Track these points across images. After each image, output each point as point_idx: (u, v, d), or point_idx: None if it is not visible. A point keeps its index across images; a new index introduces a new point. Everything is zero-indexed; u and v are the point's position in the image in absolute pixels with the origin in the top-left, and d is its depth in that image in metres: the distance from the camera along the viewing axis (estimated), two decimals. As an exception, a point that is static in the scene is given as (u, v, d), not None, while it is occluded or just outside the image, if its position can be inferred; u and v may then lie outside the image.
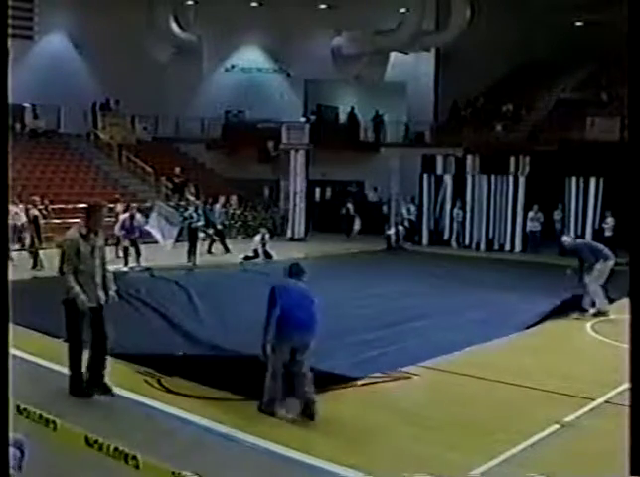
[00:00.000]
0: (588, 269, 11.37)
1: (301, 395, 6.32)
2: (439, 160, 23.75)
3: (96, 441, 3.26)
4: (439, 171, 23.54)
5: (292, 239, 24.14)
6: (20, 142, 23.72)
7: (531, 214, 21.68)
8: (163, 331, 9.67)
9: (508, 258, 20.34)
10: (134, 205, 17.03)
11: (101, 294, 6.90)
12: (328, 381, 6.97)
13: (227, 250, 19.47)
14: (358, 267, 17.71)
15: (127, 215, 15.89)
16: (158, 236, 16.82)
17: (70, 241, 6.84)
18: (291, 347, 6.24)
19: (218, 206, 20.89)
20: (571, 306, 11.45)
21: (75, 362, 6.89)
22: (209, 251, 19.28)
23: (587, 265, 11.38)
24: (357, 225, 25.87)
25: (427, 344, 9.10)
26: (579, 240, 12.45)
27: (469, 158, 23.17)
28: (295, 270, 6.60)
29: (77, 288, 6.69)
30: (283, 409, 6.32)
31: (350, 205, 26.34)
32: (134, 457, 3.14)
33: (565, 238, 12.98)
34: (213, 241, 19.55)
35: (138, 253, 15.69)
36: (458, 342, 9.08)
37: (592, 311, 11.40)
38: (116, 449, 3.20)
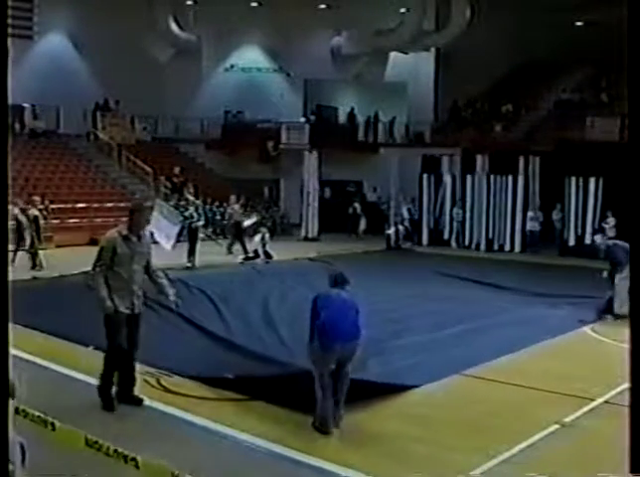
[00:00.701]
0: (620, 270, 10.96)
1: (337, 403, 6.13)
2: (445, 160, 23.56)
3: (96, 442, 3.26)
4: (446, 171, 23.36)
5: (306, 239, 24.21)
6: (20, 142, 23.73)
7: (530, 214, 21.68)
8: (196, 338, 9.40)
9: (514, 259, 20.05)
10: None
11: (138, 302, 6.53)
12: (378, 391, 6.79)
13: (230, 251, 19.21)
14: (373, 267, 17.37)
15: None
16: (159, 236, 16.79)
17: (107, 242, 6.44)
18: (336, 358, 6.01)
19: (237, 206, 20.68)
20: (606, 310, 11.22)
21: (109, 370, 6.55)
22: (245, 251, 18.60)
23: (620, 267, 10.94)
24: (363, 224, 26.04)
25: (464, 352, 8.72)
26: (611, 241, 12.12)
27: (479, 158, 22.95)
28: (339, 279, 6.35)
29: (103, 293, 6.33)
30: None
31: (357, 205, 26.53)
32: (133, 459, 3.14)
33: (598, 239, 12.67)
34: (240, 241, 19.05)
35: None
36: (495, 350, 8.78)
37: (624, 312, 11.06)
38: (115, 450, 3.20)
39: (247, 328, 9.98)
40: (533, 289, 13.65)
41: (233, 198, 24.93)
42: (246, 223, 19.30)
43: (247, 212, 21.32)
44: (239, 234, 19.03)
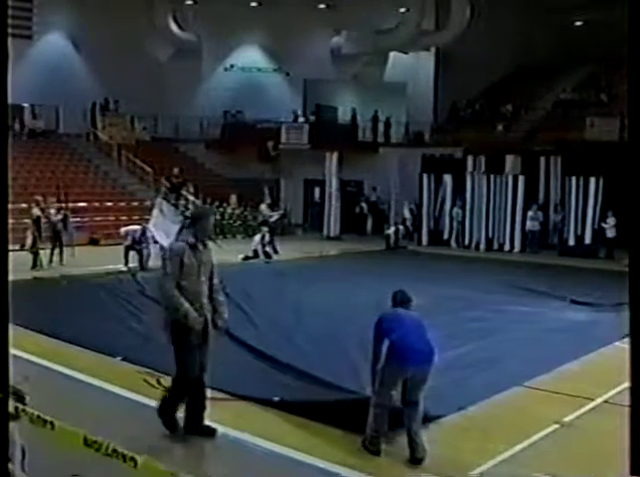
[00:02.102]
0: None
1: (410, 433, 5.60)
2: (470, 160, 23.05)
3: (95, 441, 3.26)
4: (469, 171, 22.88)
5: (328, 238, 24.39)
6: (19, 142, 23.73)
7: (530, 214, 21.67)
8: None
9: (517, 260, 19.91)
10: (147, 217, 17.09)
11: (209, 316, 5.91)
12: None
13: (275, 251, 19.23)
14: (379, 268, 17.44)
15: (139, 227, 15.93)
16: (158, 235, 16.78)
17: (174, 252, 5.88)
18: (405, 380, 5.60)
19: (263, 206, 20.82)
20: None
21: (176, 396, 5.97)
22: (275, 251, 19.19)
23: None
24: (370, 224, 26.39)
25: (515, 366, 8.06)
26: None
27: (508, 159, 22.35)
28: (400, 298, 5.93)
29: (185, 304, 5.71)
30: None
31: (364, 204, 26.89)
32: (132, 458, 3.14)
33: None
34: (270, 241, 19.39)
35: (141, 261, 15.68)
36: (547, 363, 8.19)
37: None
38: (115, 450, 3.20)
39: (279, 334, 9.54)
40: (557, 291, 13.21)
41: (233, 197, 25.01)
42: (273, 218, 20.16)
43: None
44: (270, 233, 19.46)
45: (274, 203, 27.52)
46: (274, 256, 18.63)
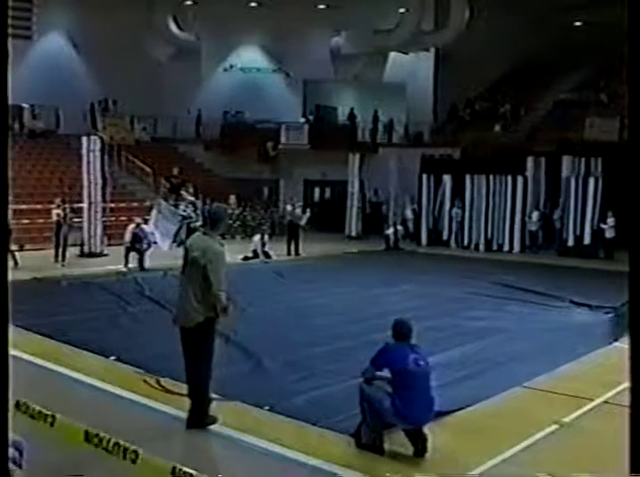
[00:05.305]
0: None
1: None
2: (529, 160, 22.07)
3: (97, 435, 3.25)
4: (530, 173, 22.20)
5: (350, 238, 24.52)
6: (19, 142, 23.71)
7: (530, 214, 21.64)
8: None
9: (516, 260, 19.93)
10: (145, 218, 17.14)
11: (198, 314, 5.82)
12: None
13: (288, 252, 19.35)
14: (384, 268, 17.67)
15: (139, 227, 15.99)
16: (157, 235, 16.80)
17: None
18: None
19: (289, 207, 20.89)
20: None
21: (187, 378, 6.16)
22: (297, 252, 19.37)
23: None
24: (376, 225, 26.65)
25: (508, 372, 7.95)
26: None
27: (565, 160, 21.42)
28: (405, 330, 5.57)
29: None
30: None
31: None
32: (134, 451, 3.13)
33: None
34: (296, 241, 19.58)
35: (141, 261, 15.72)
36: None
37: None
38: (116, 444, 3.19)
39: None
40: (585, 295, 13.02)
41: (232, 198, 24.97)
42: (303, 221, 20.51)
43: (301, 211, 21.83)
44: (295, 233, 19.83)
45: (274, 203, 27.57)
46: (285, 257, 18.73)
